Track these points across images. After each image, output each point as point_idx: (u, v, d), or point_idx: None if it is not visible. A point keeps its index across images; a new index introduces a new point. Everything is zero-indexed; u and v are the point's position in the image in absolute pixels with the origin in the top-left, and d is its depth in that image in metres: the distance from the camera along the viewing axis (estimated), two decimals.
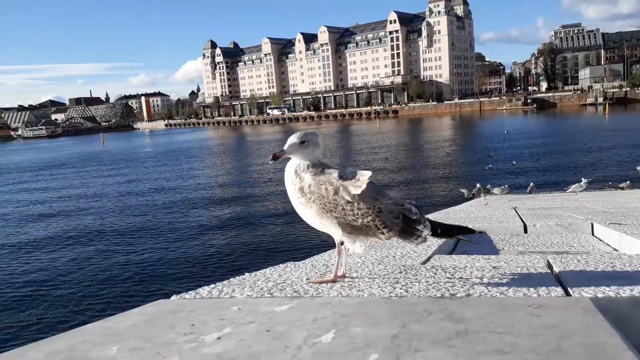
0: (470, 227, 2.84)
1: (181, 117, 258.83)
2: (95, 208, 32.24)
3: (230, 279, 3.25)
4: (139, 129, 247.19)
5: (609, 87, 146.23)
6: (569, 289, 2.65)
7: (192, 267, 17.70)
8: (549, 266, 3.45)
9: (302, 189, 2.69)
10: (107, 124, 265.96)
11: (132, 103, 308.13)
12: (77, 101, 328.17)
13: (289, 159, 2.81)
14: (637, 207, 9.56)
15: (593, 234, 6.37)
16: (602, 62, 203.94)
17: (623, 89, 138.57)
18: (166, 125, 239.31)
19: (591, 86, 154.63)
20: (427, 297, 2.58)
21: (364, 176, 2.62)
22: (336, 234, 2.72)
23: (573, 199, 13.89)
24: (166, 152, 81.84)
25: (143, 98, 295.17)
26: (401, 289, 2.80)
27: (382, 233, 2.61)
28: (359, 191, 2.59)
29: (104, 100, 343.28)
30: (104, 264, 18.72)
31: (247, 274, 3.38)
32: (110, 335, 2.09)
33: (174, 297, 2.82)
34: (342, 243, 2.84)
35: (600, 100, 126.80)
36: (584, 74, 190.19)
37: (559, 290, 2.63)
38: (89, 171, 59.33)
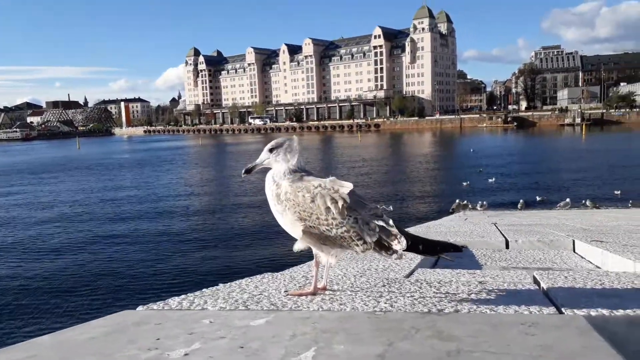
0: (452, 241, 2.72)
1: (161, 124, 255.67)
2: (61, 214, 30.59)
3: (203, 290, 3.04)
4: (116, 134, 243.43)
5: (586, 107, 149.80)
6: (560, 306, 2.54)
7: (163, 277, 16.65)
8: (536, 282, 3.35)
9: (278, 195, 2.57)
10: (84, 128, 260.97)
11: (111, 108, 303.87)
12: (55, 104, 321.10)
13: (267, 169, 2.72)
14: (617, 226, 9.64)
15: (574, 251, 6.34)
16: (580, 83, 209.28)
17: (599, 110, 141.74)
18: (145, 131, 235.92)
19: (567, 107, 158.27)
20: (413, 312, 2.43)
21: (344, 187, 2.51)
22: (310, 244, 2.59)
23: (552, 216, 14.01)
24: (141, 159, 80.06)
25: (122, 103, 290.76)
26: (385, 303, 2.65)
27: (357, 245, 2.47)
28: (346, 192, 2.48)
29: (82, 104, 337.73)
30: (70, 272, 17.52)
31: (221, 285, 3.18)
32: (64, 350, 1.88)
33: (140, 308, 2.60)
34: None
35: (578, 120, 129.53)
36: (563, 94, 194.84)
37: (550, 308, 2.52)
38: (58, 175, 56.93)
